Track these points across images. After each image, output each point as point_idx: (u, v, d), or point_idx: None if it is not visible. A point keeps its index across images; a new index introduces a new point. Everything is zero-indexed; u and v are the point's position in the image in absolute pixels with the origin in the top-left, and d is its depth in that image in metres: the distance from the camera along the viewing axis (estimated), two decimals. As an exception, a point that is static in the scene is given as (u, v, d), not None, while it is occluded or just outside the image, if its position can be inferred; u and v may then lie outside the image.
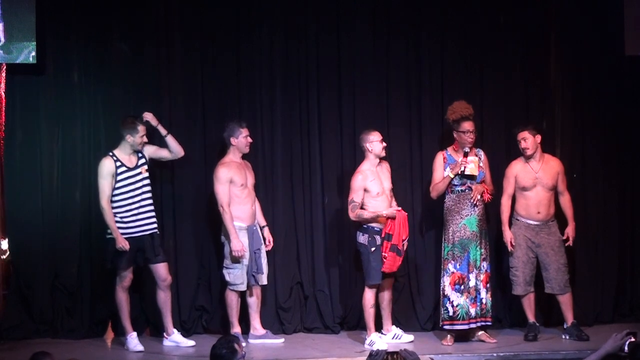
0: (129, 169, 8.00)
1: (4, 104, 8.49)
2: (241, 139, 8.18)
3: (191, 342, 8.22)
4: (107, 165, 7.96)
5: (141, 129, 8.02)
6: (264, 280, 8.31)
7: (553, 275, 8.27)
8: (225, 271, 8.20)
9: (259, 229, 8.31)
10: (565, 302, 8.30)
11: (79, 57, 8.53)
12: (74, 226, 8.50)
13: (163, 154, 8.25)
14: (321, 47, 8.80)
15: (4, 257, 8.65)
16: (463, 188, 8.13)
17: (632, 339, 4.75)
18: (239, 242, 8.07)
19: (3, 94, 8.48)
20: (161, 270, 8.09)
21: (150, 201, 8.10)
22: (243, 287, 8.21)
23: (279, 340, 8.37)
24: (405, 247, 8.08)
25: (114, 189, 7.96)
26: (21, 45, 8.26)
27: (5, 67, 8.44)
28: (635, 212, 9.03)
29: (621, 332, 4.82)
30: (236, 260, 8.11)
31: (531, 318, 8.32)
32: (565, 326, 8.32)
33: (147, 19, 8.68)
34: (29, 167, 8.51)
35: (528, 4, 8.93)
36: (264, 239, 8.36)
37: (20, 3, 8.20)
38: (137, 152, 8.08)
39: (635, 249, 9.01)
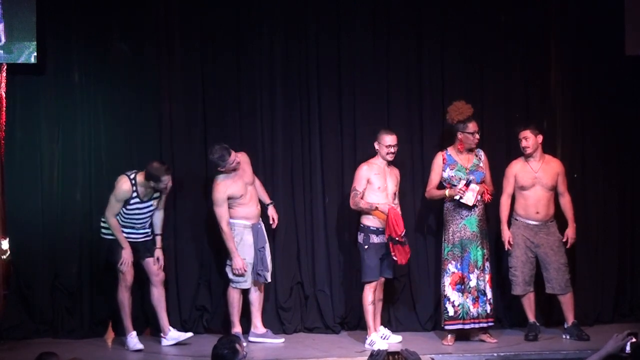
0: (141, 201, 8.02)
1: (4, 104, 8.49)
2: (228, 167, 8.13)
3: (189, 334, 8.21)
4: (124, 191, 7.93)
5: (165, 179, 7.93)
6: (268, 277, 8.33)
7: (553, 275, 8.27)
8: (228, 268, 8.22)
9: (263, 227, 8.31)
10: (566, 302, 8.30)
11: (79, 57, 8.53)
12: (74, 226, 8.50)
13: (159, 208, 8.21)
14: (321, 47, 8.79)
15: (4, 257, 8.65)
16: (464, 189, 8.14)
17: (634, 340, 4.75)
18: (239, 260, 8.10)
19: (3, 94, 8.48)
20: (152, 264, 8.10)
21: (150, 221, 8.13)
22: (246, 285, 8.22)
23: (279, 340, 8.37)
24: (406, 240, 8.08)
25: (121, 209, 7.99)
26: (22, 46, 8.26)
27: (5, 67, 8.44)
28: (635, 212, 9.03)
29: (622, 332, 4.82)
30: (240, 274, 8.14)
31: (531, 318, 8.33)
32: (565, 326, 8.32)
33: (147, 19, 8.67)
34: (29, 167, 8.51)
35: (528, 4, 8.93)
36: (268, 217, 8.40)
37: (20, 3, 8.20)
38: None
39: (636, 249, 9.02)
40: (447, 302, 8.10)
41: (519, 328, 8.55)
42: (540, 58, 8.92)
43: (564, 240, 8.33)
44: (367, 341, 8.09)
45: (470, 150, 8.18)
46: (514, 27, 8.92)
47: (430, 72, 8.85)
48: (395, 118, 8.84)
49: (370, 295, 8.10)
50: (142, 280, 8.31)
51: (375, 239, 8.09)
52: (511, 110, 8.89)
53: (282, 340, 8.40)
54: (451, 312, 8.09)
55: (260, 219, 8.33)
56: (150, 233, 8.17)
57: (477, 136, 8.14)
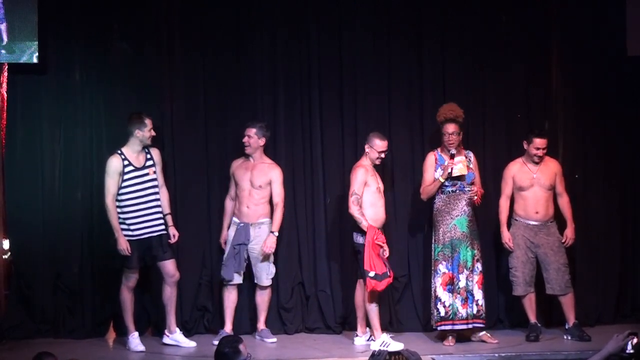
0: (137, 169, 8.00)
1: (5, 104, 8.48)
2: (257, 143, 8.35)
3: (192, 343, 8.20)
4: (114, 164, 7.95)
5: (148, 122, 8.01)
6: (260, 281, 8.33)
7: (553, 276, 8.28)
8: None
9: (251, 229, 8.28)
10: (567, 302, 8.31)
11: (80, 57, 8.54)
12: (75, 226, 8.50)
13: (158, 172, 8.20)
14: (322, 47, 8.80)
15: (5, 256, 8.65)
16: (454, 189, 8.14)
17: (635, 340, 4.76)
18: (224, 232, 8.31)
19: (5, 93, 8.48)
20: (169, 266, 8.10)
21: (158, 203, 8.10)
22: (229, 282, 8.29)
23: (271, 340, 8.37)
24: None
25: (121, 187, 7.95)
26: (23, 45, 8.27)
27: (7, 67, 8.44)
28: (636, 212, 9.03)
29: (622, 332, 4.83)
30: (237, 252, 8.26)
31: (532, 318, 8.33)
32: (566, 327, 8.33)
33: (148, 19, 8.68)
34: (31, 167, 8.51)
35: (529, 4, 8.93)
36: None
37: (22, 3, 8.21)
38: (145, 151, 8.06)
39: (637, 249, 9.01)
40: (439, 302, 8.11)
41: (520, 329, 8.54)
42: (541, 58, 8.92)
43: (563, 240, 8.34)
44: (379, 342, 7.96)
45: (455, 151, 8.15)
46: (515, 27, 8.92)
47: (431, 72, 8.85)
48: (396, 118, 8.84)
49: (376, 296, 8.08)
50: (145, 280, 8.32)
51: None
52: (512, 111, 8.89)
53: (274, 340, 8.36)
54: (442, 312, 8.10)
55: (258, 220, 8.30)
56: (164, 225, 8.14)
57: (453, 137, 8.09)
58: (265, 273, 8.34)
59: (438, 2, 8.90)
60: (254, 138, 8.30)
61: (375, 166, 8.22)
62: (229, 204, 8.41)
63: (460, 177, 8.11)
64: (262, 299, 8.39)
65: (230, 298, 8.33)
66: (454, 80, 8.87)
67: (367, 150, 8.15)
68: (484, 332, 8.22)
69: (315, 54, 8.80)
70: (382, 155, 8.15)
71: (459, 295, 8.07)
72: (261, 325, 8.41)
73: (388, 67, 8.86)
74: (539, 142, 8.23)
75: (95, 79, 8.56)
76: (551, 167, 8.37)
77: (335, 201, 8.75)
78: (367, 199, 8.05)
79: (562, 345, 8.15)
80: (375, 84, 8.85)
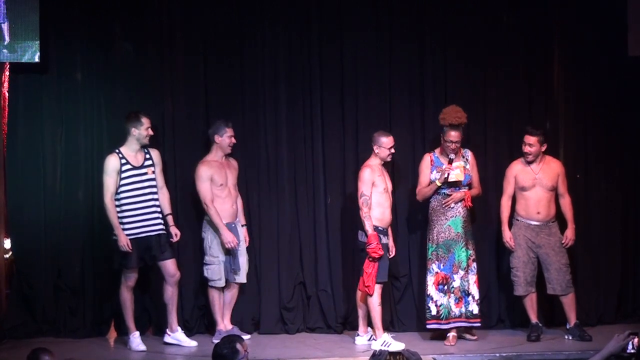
0: (135, 167, 8.01)
1: (7, 103, 8.49)
2: (225, 138, 8.22)
3: (193, 343, 8.21)
4: (112, 162, 7.96)
5: (145, 121, 8.02)
6: (241, 278, 8.35)
7: (554, 276, 8.27)
8: (204, 267, 8.28)
9: (238, 227, 8.34)
10: (568, 302, 8.30)
11: (82, 57, 8.54)
12: (76, 226, 8.50)
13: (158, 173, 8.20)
14: (323, 47, 8.80)
15: (7, 256, 8.66)
16: (450, 191, 8.13)
17: (636, 339, 4.76)
18: (229, 233, 8.15)
19: (6, 93, 8.49)
20: (169, 266, 8.10)
21: (156, 202, 8.10)
22: (221, 283, 8.27)
23: (245, 337, 8.34)
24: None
25: (120, 186, 7.96)
26: (25, 45, 8.28)
27: (8, 66, 8.45)
28: (637, 212, 9.02)
29: (623, 332, 4.83)
30: (228, 252, 8.20)
31: (534, 318, 8.32)
32: (568, 327, 8.33)
33: (149, 18, 8.68)
34: (32, 167, 8.51)
35: (530, 4, 8.92)
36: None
37: (23, 3, 8.22)
38: (145, 151, 8.07)
39: (638, 249, 9.01)
40: (430, 301, 8.12)
41: (521, 328, 8.55)
42: (542, 58, 8.92)
43: (563, 241, 8.33)
44: (379, 342, 7.96)
45: (454, 155, 8.14)
46: (516, 27, 8.91)
47: (432, 72, 8.85)
48: (397, 118, 8.84)
49: (378, 296, 8.04)
50: (146, 279, 8.33)
51: (383, 239, 8.09)
52: (514, 111, 8.88)
53: (248, 337, 8.29)
54: (434, 311, 8.10)
55: (238, 219, 8.35)
56: (163, 225, 8.13)
57: (455, 146, 8.08)
58: (245, 269, 8.38)
59: (439, 2, 8.89)
60: (232, 139, 8.32)
61: (384, 166, 8.23)
62: (213, 206, 8.25)
63: (455, 183, 8.10)
64: (233, 296, 8.41)
65: (222, 298, 8.35)
66: (455, 80, 8.86)
67: (376, 150, 8.14)
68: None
69: (316, 54, 8.80)
70: (392, 151, 8.15)
71: (452, 295, 8.07)
72: (229, 322, 8.40)
73: (389, 67, 8.85)
74: (527, 138, 8.21)
75: (96, 79, 8.57)
76: (553, 168, 8.36)
77: (336, 201, 8.75)
78: (374, 199, 8.05)
79: (563, 345, 8.15)
80: (377, 84, 8.85)
